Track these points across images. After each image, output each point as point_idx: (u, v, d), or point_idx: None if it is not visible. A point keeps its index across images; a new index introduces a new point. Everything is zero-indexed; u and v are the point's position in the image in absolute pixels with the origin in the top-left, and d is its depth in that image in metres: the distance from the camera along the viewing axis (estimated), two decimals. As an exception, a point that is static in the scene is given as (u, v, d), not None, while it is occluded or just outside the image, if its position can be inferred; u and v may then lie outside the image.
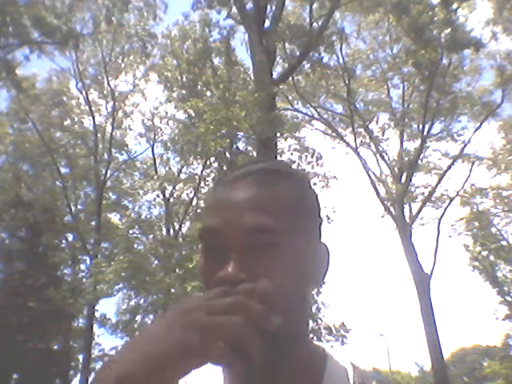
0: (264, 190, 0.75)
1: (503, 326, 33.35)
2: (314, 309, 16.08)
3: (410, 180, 20.48)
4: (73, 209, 24.11)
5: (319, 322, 16.04)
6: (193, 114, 18.34)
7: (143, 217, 24.56)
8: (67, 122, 25.27)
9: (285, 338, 0.69)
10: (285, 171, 0.80)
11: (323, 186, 18.45)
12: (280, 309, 0.68)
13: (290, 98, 20.35)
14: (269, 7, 14.70)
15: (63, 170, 24.38)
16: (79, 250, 23.31)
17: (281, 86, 15.70)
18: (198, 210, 21.62)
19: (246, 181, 0.76)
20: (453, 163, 21.00)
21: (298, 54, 15.25)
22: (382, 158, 21.35)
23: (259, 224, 0.71)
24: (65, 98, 25.03)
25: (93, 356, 21.75)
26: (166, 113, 23.81)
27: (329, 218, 16.22)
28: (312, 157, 17.69)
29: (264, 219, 0.72)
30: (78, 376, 20.82)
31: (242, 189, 0.75)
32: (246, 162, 0.81)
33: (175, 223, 23.51)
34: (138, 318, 21.96)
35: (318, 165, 17.97)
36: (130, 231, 23.70)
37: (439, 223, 20.92)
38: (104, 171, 23.39)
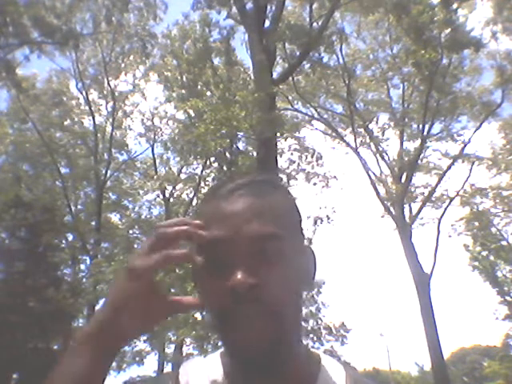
0: (262, 200, 0.76)
1: (503, 325, 33.40)
2: (314, 309, 16.06)
3: (410, 180, 20.48)
4: (73, 209, 24.10)
5: (319, 322, 16.03)
6: (193, 114, 18.33)
7: (143, 217, 24.57)
8: (67, 122, 25.25)
9: (284, 343, 0.72)
10: (274, 183, 0.83)
11: (323, 186, 18.45)
12: (289, 312, 0.72)
13: (290, 98, 20.35)
14: (269, 7, 14.69)
15: (63, 170, 24.38)
16: (79, 250, 23.29)
17: (281, 86, 15.70)
18: (198, 210, 21.60)
19: (242, 192, 0.77)
20: (453, 163, 21.00)
21: (298, 54, 15.24)
22: (382, 158, 21.36)
23: (267, 232, 0.73)
24: (65, 98, 25.01)
25: (93, 356, 21.74)
26: (166, 113, 23.84)
27: (329, 218, 16.21)
28: (312, 157, 17.69)
29: (271, 227, 0.74)
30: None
31: (240, 200, 0.76)
32: (230, 177, 0.84)
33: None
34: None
35: (317, 165, 17.97)
36: (130, 231, 23.71)
37: (439, 223, 20.94)
38: (104, 171, 23.39)
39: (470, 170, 21.77)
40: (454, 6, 15.69)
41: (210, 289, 0.74)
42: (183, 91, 19.59)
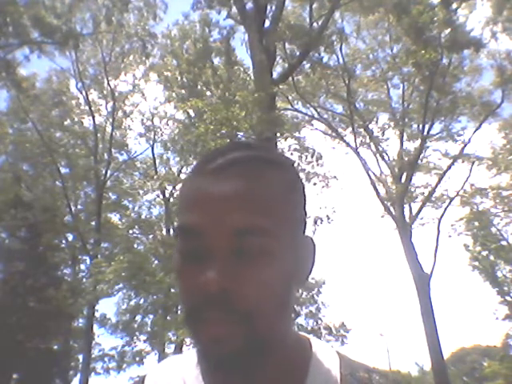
0: (254, 184, 0.65)
1: (503, 325, 33.40)
2: (313, 309, 16.09)
3: (410, 180, 20.47)
4: (73, 209, 24.11)
5: (319, 321, 16.04)
6: (193, 114, 18.35)
7: (143, 217, 24.58)
8: (67, 122, 25.27)
9: (269, 341, 0.66)
10: (273, 160, 0.71)
11: (323, 186, 18.44)
12: (266, 315, 0.65)
13: (290, 97, 20.34)
14: (269, 7, 14.70)
15: (63, 170, 24.39)
16: (79, 250, 23.31)
17: (281, 86, 15.69)
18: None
19: (232, 172, 0.65)
20: (453, 163, 21.00)
21: (297, 53, 15.25)
22: (382, 158, 21.34)
23: (251, 225, 0.63)
24: (65, 98, 25.03)
25: (93, 356, 21.75)
26: (166, 113, 23.86)
27: (329, 218, 16.21)
28: (312, 157, 17.68)
29: (256, 219, 0.63)
30: (78, 376, 20.85)
31: (227, 181, 0.65)
32: (226, 146, 0.72)
33: (175, 223, 23.50)
34: (138, 317, 22.00)
35: (318, 165, 17.96)
36: (130, 231, 23.71)
37: (439, 223, 20.92)
38: (104, 171, 23.40)
39: (470, 170, 21.77)
40: (454, 5, 15.71)
41: (185, 281, 0.65)
42: (183, 91, 19.61)
